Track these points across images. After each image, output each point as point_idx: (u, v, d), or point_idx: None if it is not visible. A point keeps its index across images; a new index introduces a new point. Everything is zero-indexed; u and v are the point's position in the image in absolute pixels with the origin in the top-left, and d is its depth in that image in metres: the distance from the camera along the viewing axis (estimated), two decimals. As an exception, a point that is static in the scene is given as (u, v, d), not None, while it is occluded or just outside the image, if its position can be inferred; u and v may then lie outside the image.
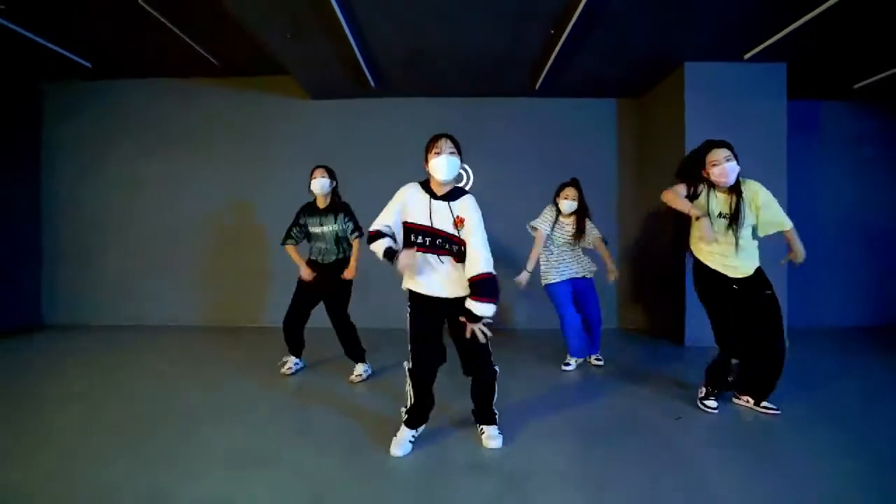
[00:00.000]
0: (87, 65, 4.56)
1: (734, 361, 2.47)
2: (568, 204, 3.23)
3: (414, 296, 2.04)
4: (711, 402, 2.50)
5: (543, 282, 3.33)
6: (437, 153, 1.92)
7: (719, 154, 2.33)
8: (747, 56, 3.95)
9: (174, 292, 5.02)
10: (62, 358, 3.62)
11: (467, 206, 1.94)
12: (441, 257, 1.96)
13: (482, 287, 1.84)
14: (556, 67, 4.13)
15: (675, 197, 2.45)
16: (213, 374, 3.19)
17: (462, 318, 1.89)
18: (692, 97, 4.08)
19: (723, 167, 2.31)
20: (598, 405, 2.61)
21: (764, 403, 2.48)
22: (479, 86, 4.72)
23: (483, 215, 1.97)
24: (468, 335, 1.89)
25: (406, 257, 1.89)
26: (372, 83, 4.50)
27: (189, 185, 5.03)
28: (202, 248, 5.01)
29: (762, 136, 4.06)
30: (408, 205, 1.98)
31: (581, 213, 3.30)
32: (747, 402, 2.55)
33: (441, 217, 1.94)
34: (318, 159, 3.71)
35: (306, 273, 3.09)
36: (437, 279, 1.97)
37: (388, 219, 1.98)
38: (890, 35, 3.54)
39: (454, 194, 1.97)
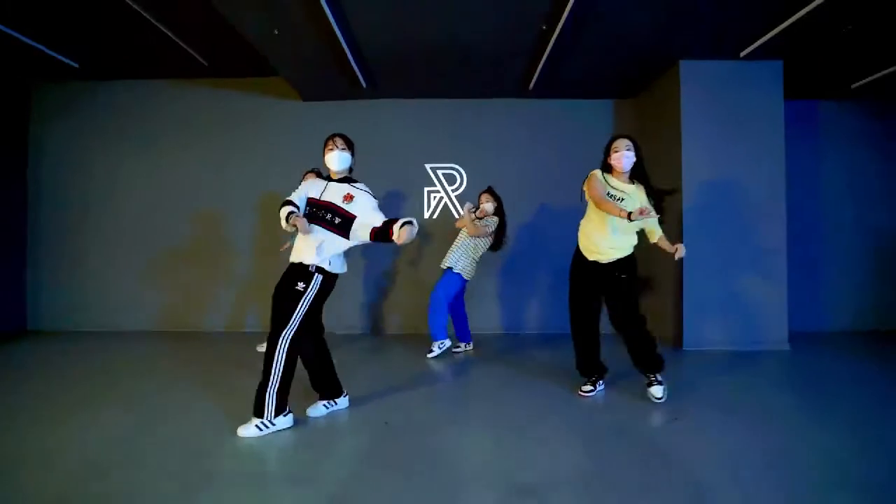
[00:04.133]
0: (75, 65, 4.50)
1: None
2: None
3: None
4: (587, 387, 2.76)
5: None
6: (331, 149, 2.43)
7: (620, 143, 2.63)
8: (743, 53, 3.88)
9: (159, 297, 4.91)
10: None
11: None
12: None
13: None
14: (549, 66, 4.06)
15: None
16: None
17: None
18: (688, 95, 4.00)
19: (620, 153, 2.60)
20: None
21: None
22: (471, 87, 4.65)
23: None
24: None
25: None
26: (363, 83, 4.43)
27: (175, 187, 4.93)
28: (188, 251, 4.92)
29: (761, 134, 3.99)
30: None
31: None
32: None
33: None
34: (309, 162, 3.89)
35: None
36: None
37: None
38: (888, 32, 3.47)
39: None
